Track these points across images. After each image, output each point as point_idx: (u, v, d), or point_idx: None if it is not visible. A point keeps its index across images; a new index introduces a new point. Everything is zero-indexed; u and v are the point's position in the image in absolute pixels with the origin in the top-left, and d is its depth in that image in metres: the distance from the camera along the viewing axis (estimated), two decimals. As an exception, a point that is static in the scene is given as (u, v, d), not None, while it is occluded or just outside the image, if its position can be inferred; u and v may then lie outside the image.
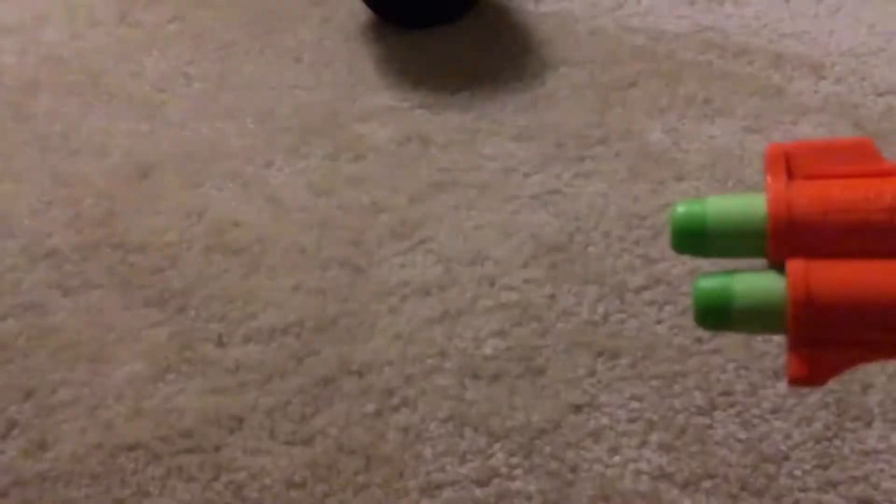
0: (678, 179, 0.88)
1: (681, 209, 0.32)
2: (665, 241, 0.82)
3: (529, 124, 0.95)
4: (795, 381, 0.29)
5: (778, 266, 0.30)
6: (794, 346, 0.29)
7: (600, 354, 0.74)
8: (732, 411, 0.69)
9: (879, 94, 0.94)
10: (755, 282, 0.31)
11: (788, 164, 0.31)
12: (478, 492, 0.66)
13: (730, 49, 1.02)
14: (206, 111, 1.01)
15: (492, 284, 0.80)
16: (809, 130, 0.91)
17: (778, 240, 0.30)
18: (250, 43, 1.10)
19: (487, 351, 0.75)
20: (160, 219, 0.89)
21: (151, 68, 1.07)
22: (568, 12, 1.09)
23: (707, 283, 0.31)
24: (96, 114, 1.02)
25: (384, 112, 0.99)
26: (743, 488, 0.65)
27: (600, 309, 0.77)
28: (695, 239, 0.31)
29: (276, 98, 1.02)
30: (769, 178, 0.31)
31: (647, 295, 0.78)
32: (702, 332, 0.74)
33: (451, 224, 0.86)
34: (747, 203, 0.31)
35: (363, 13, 1.12)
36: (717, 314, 0.31)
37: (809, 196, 0.30)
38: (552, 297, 0.78)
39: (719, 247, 0.31)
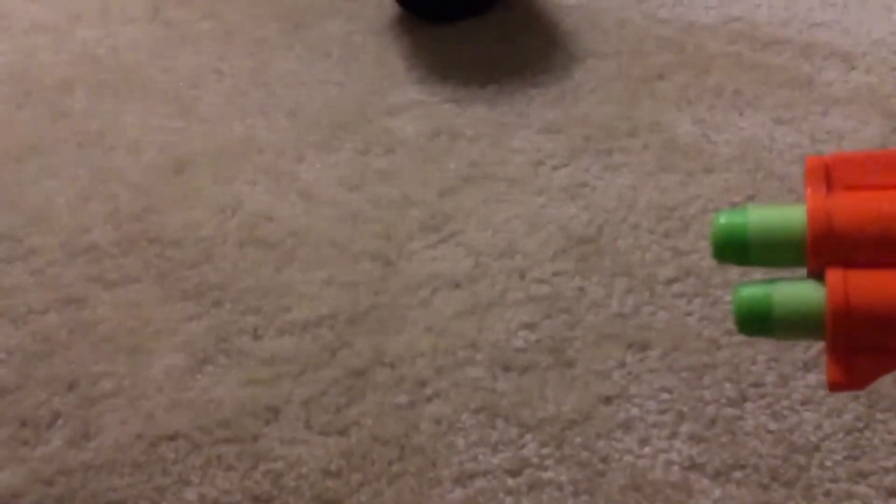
0: (707, 171, 0.88)
1: (722, 219, 0.32)
2: (694, 232, 0.83)
3: (557, 117, 0.96)
4: (835, 387, 0.30)
5: (817, 275, 0.31)
6: (833, 353, 0.30)
7: (630, 346, 0.74)
8: (763, 402, 0.70)
9: (911, 84, 0.94)
10: (795, 290, 0.31)
11: (828, 175, 0.31)
12: (510, 481, 0.68)
13: (759, 40, 1.01)
14: (237, 107, 1.03)
15: (522, 277, 0.81)
16: (839, 121, 0.91)
17: (817, 250, 0.31)
18: (280, 39, 1.11)
19: (518, 343, 0.76)
20: (195, 213, 0.90)
21: (184, 65, 1.09)
22: (595, 4, 1.09)
23: (748, 292, 0.32)
24: (131, 110, 1.04)
25: (413, 106, 1.00)
26: (773, 479, 0.66)
27: (630, 301, 0.78)
28: (736, 249, 0.32)
29: (307, 93, 1.03)
30: (809, 190, 0.31)
31: (676, 287, 0.78)
32: (731, 324, 0.74)
33: (480, 217, 0.87)
34: (788, 214, 0.32)
35: (391, 8, 1.13)
36: (758, 322, 0.32)
37: (848, 208, 0.31)
38: (581, 289, 0.79)
39: (760, 257, 0.32)
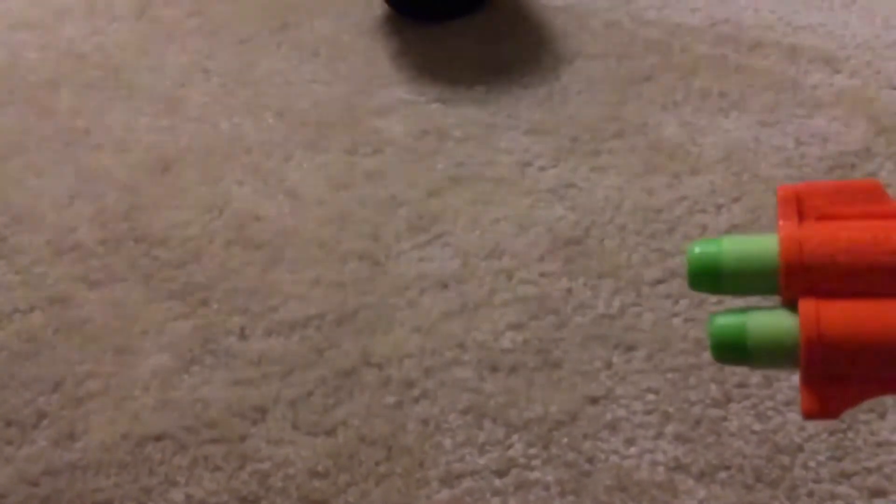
0: (693, 173, 0.88)
1: (697, 249, 0.33)
2: (680, 234, 0.83)
3: (545, 118, 0.96)
4: (809, 416, 0.31)
5: (791, 304, 0.31)
6: (808, 383, 0.31)
7: (616, 347, 0.75)
8: (747, 403, 0.70)
9: (894, 88, 0.95)
10: (769, 320, 0.32)
11: (800, 205, 0.32)
12: (497, 482, 0.68)
13: (745, 42, 1.02)
14: (225, 106, 1.02)
15: (509, 278, 0.81)
16: (824, 124, 0.92)
17: (790, 280, 0.31)
18: (268, 37, 1.11)
19: (505, 344, 0.76)
20: (182, 213, 0.90)
21: (171, 63, 1.09)
22: (583, 6, 1.09)
23: (723, 321, 0.32)
24: (117, 109, 1.03)
25: (401, 106, 1.00)
26: (758, 479, 0.66)
27: (616, 302, 0.78)
28: (710, 278, 0.33)
29: (294, 92, 1.03)
30: (781, 221, 0.32)
31: (662, 288, 0.79)
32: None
33: (468, 218, 0.87)
34: (760, 244, 0.32)
35: (379, 7, 1.13)
36: (733, 351, 0.32)
37: (820, 238, 0.31)
38: (569, 290, 0.79)
39: (733, 286, 0.33)
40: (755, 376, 0.72)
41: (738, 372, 0.72)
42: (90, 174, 0.95)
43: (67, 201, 0.92)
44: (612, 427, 0.70)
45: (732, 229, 0.83)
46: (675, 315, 0.77)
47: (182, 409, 0.74)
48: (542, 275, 0.81)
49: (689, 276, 0.33)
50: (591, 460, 0.68)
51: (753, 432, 0.69)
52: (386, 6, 1.13)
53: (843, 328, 0.30)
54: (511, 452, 0.69)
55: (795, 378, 0.71)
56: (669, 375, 0.73)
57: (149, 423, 0.73)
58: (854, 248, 0.31)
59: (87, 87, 1.07)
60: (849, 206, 0.32)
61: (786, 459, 0.67)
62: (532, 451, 0.69)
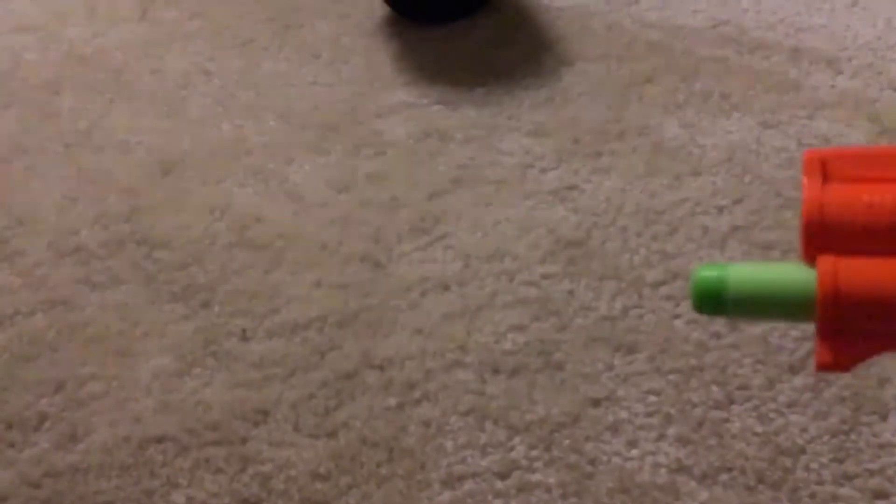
0: (695, 174, 0.88)
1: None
2: (682, 235, 0.83)
3: (546, 120, 0.96)
4: (822, 367, 0.32)
5: (811, 264, 0.33)
6: (822, 335, 0.32)
7: (618, 349, 0.75)
8: (749, 405, 0.70)
9: (896, 89, 0.95)
10: (786, 272, 0.33)
11: (824, 168, 0.33)
12: (499, 484, 0.68)
13: (746, 44, 1.02)
14: (226, 108, 1.02)
15: (511, 279, 0.81)
16: (826, 125, 0.92)
17: (810, 237, 0.32)
18: (269, 39, 1.11)
19: (507, 345, 0.76)
20: (184, 215, 0.90)
21: (172, 65, 1.09)
22: (584, 7, 1.09)
23: (706, 272, 0.34)
24: (119, 111, 1.03)
25: (402, 108, 1.00)
26: (760, 481, 0.66)
27: (618, 304, 0.78)
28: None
29: (296, 95, 1.03)
30: (805, 180, 0.33)
31: (664, 290, 0.79)
32: (719, 327, 0.75)
33: (469, 219, 0.87)
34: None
35: (380, 9, 1.13)
36: (713, 299, 0.33)
37: (841, 199, 0.32)
38: (570, 292, 0.79)
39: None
40: (757, 378, 0.72)
41: (740, 374, 0.72)
42: (92, 176, 0.95)
43: (69, 203, 0.93)
44: (614, 429, 0.70)
45: (734, 231, 0.83)
46: (677, 317, 0.77)
47: (184, 411, 0.74)
48: (543, 276, 0.81)
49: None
50: (593, 462, 0.68)
51: (755, 434, 0.69)
52: (387, 8, 1.13)
53: (858, 284, 0.31)
54: (513, 454, 0.69)
55: (798, 380, 0.71)
56: (671, 377, 0.73)
57: (150, 426, 0.73)
58: (875, 210, 0.32)
59: (88, 89, 1.07)
60: (873, 170, 0.33)
61: (788, 461, 0.67)
62: (534, 453, 0.69)
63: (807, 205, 0.32)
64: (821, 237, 0.32)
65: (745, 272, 0.33)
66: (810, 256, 0.33)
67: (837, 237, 0.32)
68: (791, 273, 0.33)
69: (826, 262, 0.32)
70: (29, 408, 0.75)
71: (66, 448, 0.72)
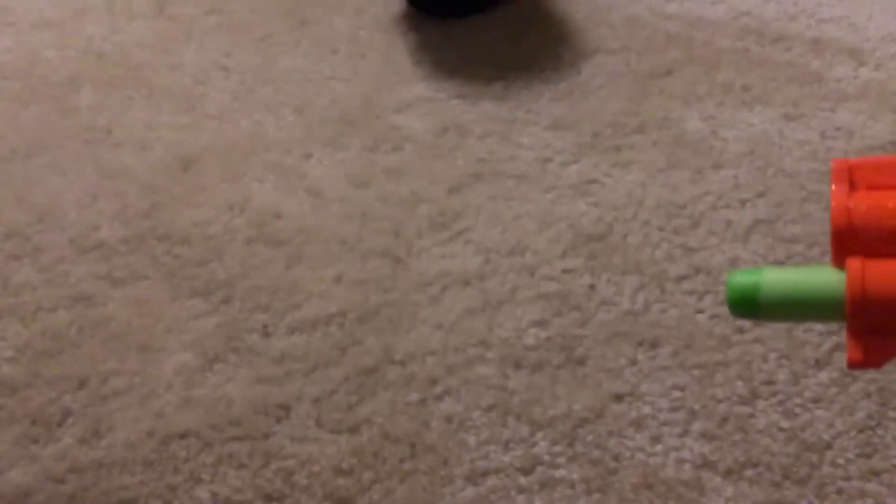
0: (716, 168, 0.88)
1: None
2: (704, 229, 0.82)
3: (566, 114, 0.96)
4: (854, 365, 0.34)
5: (841, 268, 0.34)
6: (853, 334, 0.33)
7: (641, 344, 0.74)
8: (774, 400, 0.70)
9: (920, 80, 0.94)
10: (817, 275, 0.35)
11: (852, 176, 0.35)
12: (522, 479, 0.68)
13: (767, 35, 1.01)
14: (244, 103, 1.02)
15: (531, 274, 0.81)
16: (849, 118, 0.91)
17: (839, 243, 0.34)
18: (286, 34, 1.11)
19: (528, 341, 0.76)
20: (203, 211, 0.90)
21: (190, 61, 1.09)
22: (602, 0, 1.09)
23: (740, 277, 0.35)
24: (137, 107, 1.04)
25: (420, 103, 0.99)
26: (785, 477, 0.66)
27: (640, 298, 0.78)
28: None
29: (313, 89, 1.03)
30: (834, 188, 0.35)
31: (686, 284, 0.78)
32: (742, 322, 0.74)
33: (489, 214, 0.86)
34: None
35: (398, 3, 1.13)
36: (749, 303, 0.35)
37: (868, 205, 0.34)
38: (592, 286, 0.79)
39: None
40: (782, 373, 0.71)
41: (764, 369, 0.72)
42: (111, 172, 0.96)
43: (89, 200, 0.93)
44: (638, 424, 0.69)
45: (757, 224, 0.82)
46: (700, 311, 0.76)
47: (206, 406, 0.74)
48: (564, 271, 0.80)
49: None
50: (616, 458, 0.68)
51: (781, 429, 0.68)
52: (404, 2, 1.12)
53: (886, 285, 0.33)
54: (536, 450, 0.69)
55: (823, 375, 0.71)
56: (695, 372, 0.72)
57: (173, 421, 0.73)
58: None
59: (107, 85, 1.07)
60: None
61: (814, 457, 0.66)
62: (557, 448, 0.69)
63: (835, 212, 0.34)
64: (849, 242, 0.34)
65: (778, 277, 0.35)
66: (839, 260, 0.34)
67: (865, 241, 0.34)
68: (821, 276, 0.35)
69: (854, 264, 0.33)
70: (52, 404, 0.75)
71: (90, 444, 0.73)
